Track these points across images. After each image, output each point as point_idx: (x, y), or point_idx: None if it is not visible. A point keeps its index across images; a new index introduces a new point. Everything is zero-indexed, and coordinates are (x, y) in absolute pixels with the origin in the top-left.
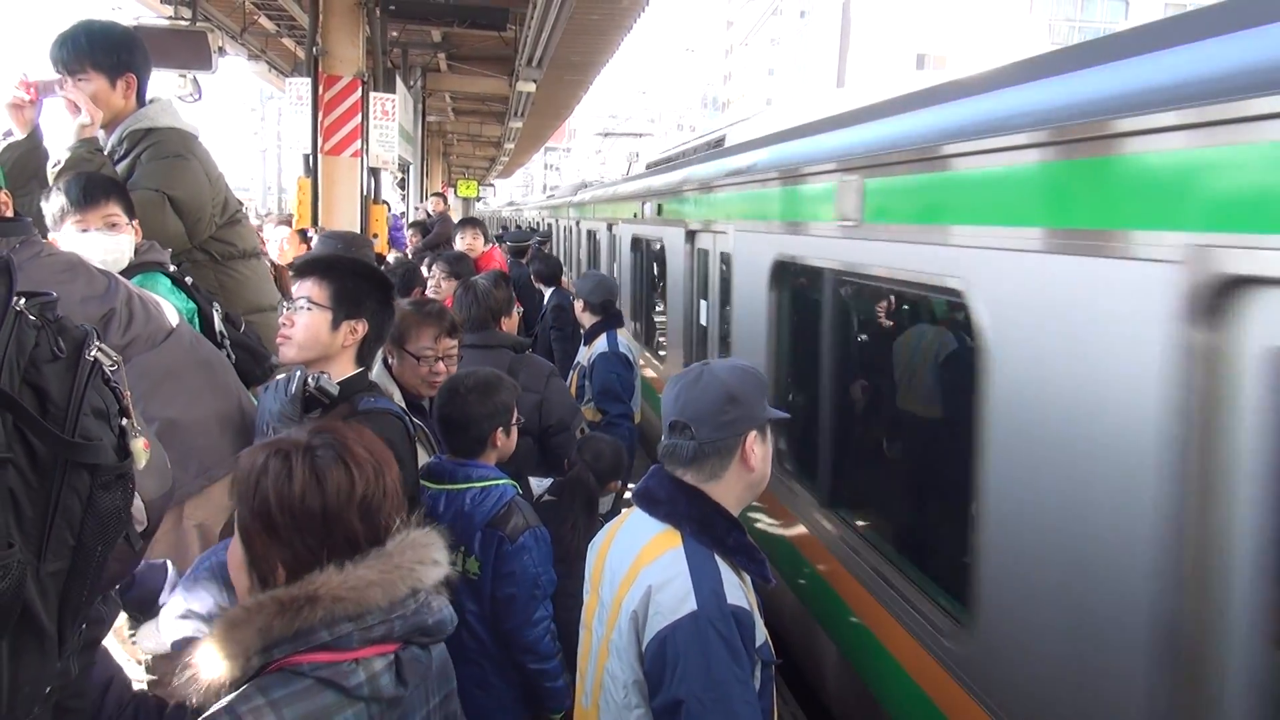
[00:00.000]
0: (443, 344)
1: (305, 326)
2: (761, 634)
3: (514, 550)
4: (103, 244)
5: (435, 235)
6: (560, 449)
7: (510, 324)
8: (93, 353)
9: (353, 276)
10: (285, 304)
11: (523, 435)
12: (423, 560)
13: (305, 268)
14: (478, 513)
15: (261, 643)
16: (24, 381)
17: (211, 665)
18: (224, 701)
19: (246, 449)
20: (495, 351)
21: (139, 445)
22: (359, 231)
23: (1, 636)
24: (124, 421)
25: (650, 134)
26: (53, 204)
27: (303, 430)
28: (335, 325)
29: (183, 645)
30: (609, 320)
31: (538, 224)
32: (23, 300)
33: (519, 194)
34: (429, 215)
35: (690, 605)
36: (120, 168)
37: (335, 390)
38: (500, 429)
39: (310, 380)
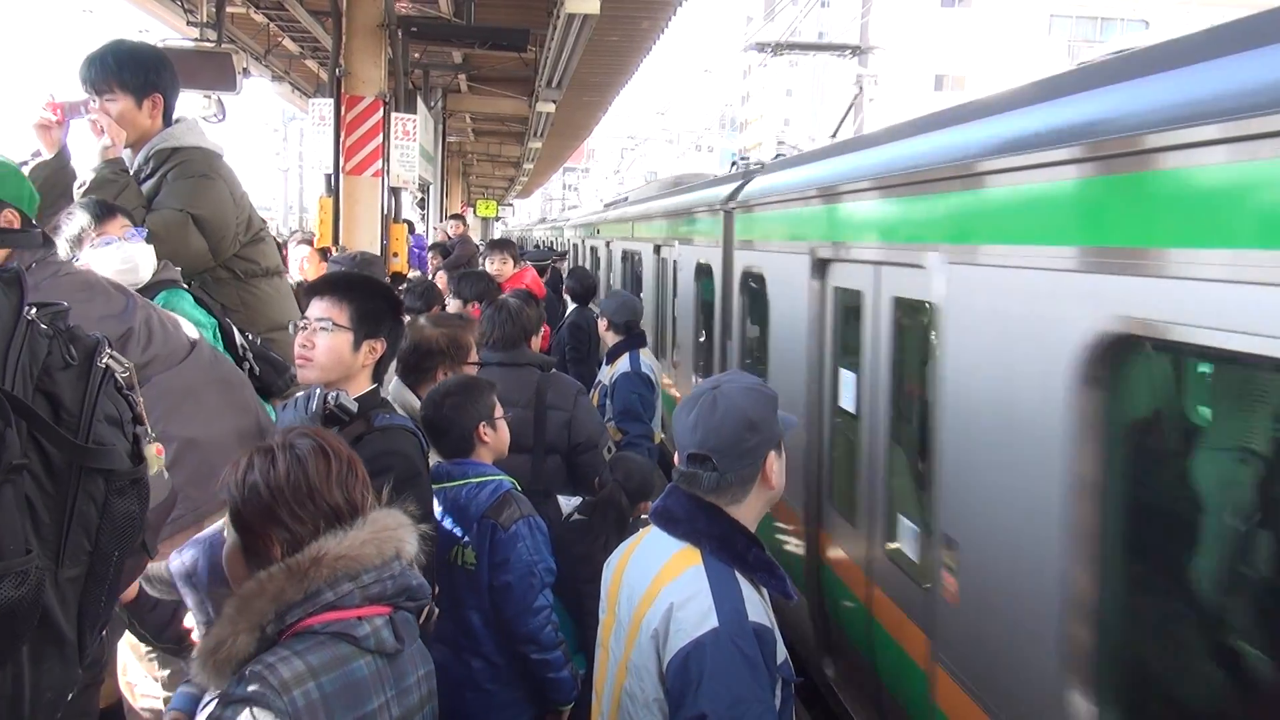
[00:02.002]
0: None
1: (328, 349)
2: (782, 652)
3: (507, 538)
4: (130, 250)
5: (456, 256)
6: (587, 467)
7: (537, 344)
8: (104, 360)
9: (372, 296)
10: (301, 321)
11: (550, 453)
12: (402, 526)
13: (323, 287)
14: (473, 505)
15: (275, 609)
16: (37, 389)
17: (228, 640)
18: (253, 662)
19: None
20: (523, 370)
21: (151, 451)
22: (379, 251)
23: (21, 644)
24: (138, 429)
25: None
26: (71, 227)
27: (280, 433)
28: (356, 346)
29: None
30: (632, 340)
31: (566, 245)
32: (34, 310)
33: (540, 210)
34: (448, 237)
35: (712, 622)
36: (146, 187)
37: (355, 408)
38: (484, 424)
39: (330, 399)
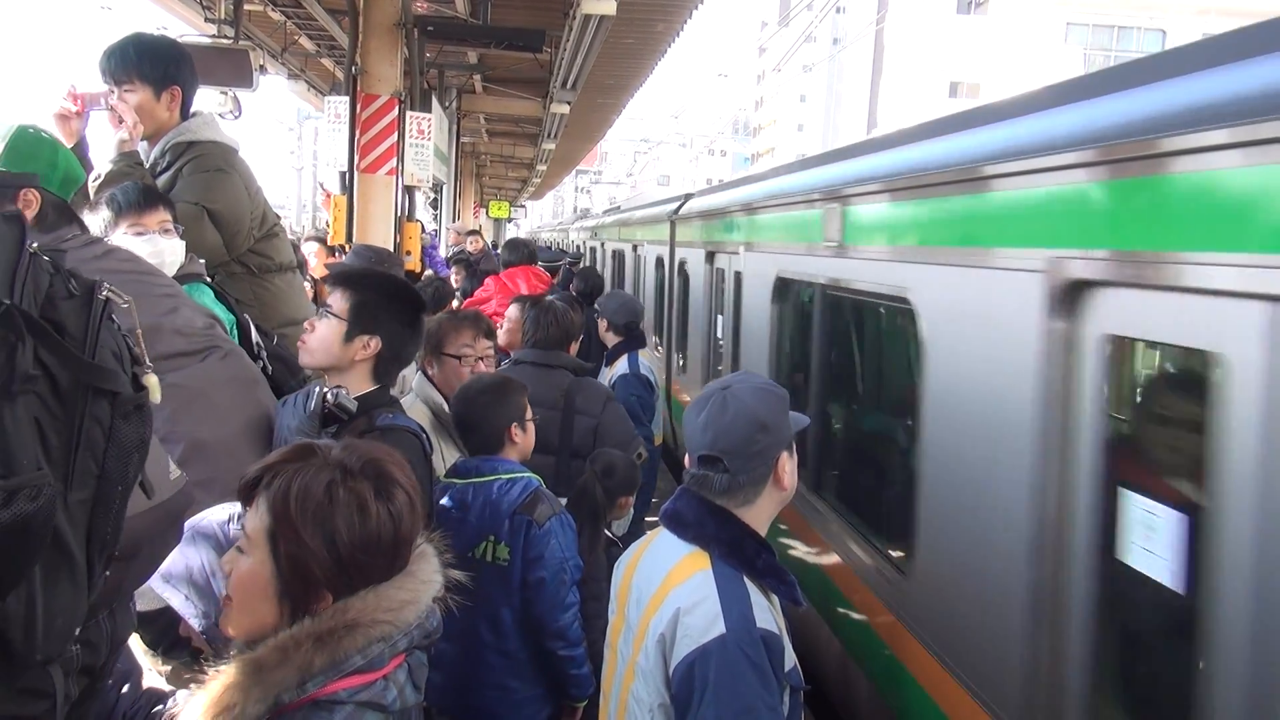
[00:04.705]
0: (480, 344)
1: (319, 335)
2: (790, 658)
3: (542, 534)
4: (163, 245)
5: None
6: None
7: (575, 348)
8: (104, 293)
9: (375, 292)
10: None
11: (575, 457)
12: (435, 569)
13: (336, 277)
14: (505, 501)
15: (298, 680)
16: (42, 316)
17: (233, 708)
18: None
19: (288, 464)
20: (555, 372)
21: (153, 380)
22: (392, 249)
23: (35, 561)
24: (135, 368)
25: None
26: (101, 215)
27: (349, 452)
28: (348, 338)
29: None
30: (631, 341)
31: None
32: (34, 244)
33: (553, 210)
34: (470, 254)
35: (719, 629)
36: (161, 180)
37: (354, 407)
38: (515, 425)
39: (329, 396)
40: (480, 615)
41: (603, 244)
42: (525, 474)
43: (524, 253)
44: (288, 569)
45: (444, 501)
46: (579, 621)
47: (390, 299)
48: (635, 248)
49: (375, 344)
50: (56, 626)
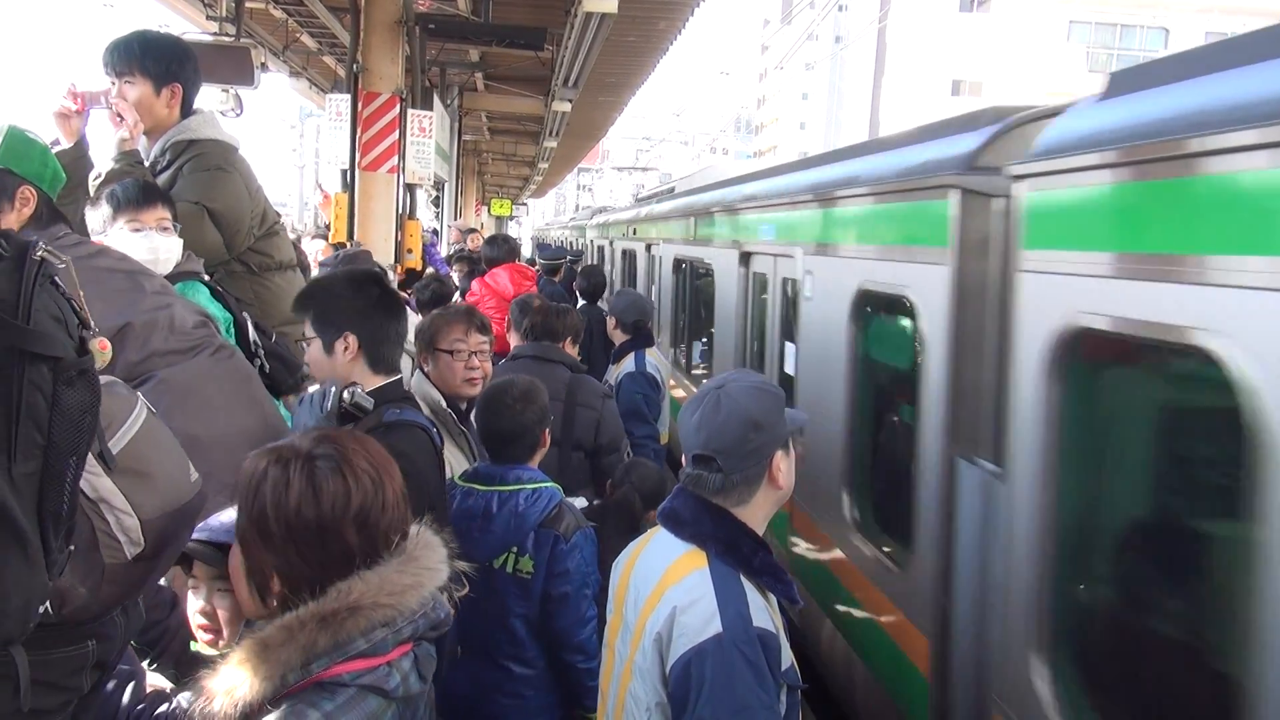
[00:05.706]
0: (473, 339)
1: (312, 359)
2: (787, 657)
3: (568, 549)
4: (159, 242)
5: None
6: (610, 469)
7: (570, 350)
8: (38, 253)
9: (322, 296)
10: None
11: (576, 450)
12: (441, 558)
13: (293, 306)
14: (531, 513)
15: (303, 659)
16: None
17: (240, 686)
18: (274, 717)
19: (251, 453)
20: (552, 366)
21: (95, 345)
22: (394, 247)
23: None
24: (84, 332)
25: None
26: (101, 211)
27: (306, 437)
28: (328, 350)
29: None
30: (639, 340)
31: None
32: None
33: (555, 208)
34: (472, 252)
35: (715, 628)
36: (162, 179)
37: (370, 404)
38: (546, 429)
39: (346, 395)
40: (498, 625)
41: (650, 249)
42: (548, 483)
43: (504, 249)
44: (239, 545)
45: (464, 506)
46: (596, 635)
47: (336, 294)
48: (748, 259)
49: (352, 340)
50: (12, 606)
